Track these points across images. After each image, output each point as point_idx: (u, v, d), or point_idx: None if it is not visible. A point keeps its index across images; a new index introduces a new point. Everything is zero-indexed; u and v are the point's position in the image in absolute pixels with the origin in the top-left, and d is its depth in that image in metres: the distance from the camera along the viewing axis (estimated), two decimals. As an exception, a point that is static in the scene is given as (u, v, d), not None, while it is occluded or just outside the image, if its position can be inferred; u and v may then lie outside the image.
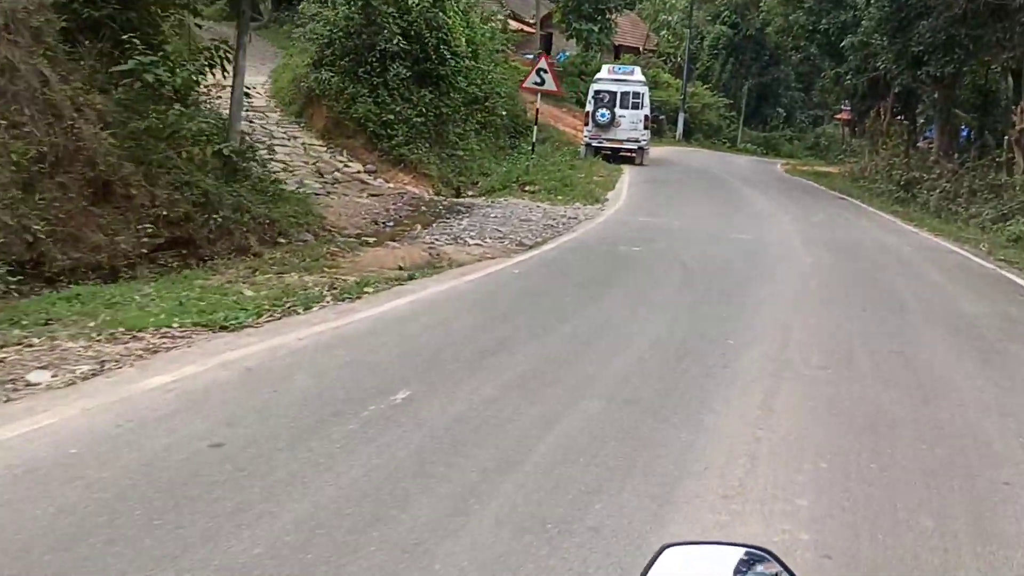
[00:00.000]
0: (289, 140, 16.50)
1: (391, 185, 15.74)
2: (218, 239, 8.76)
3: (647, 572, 1.26)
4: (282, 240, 9.64)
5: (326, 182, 14.65)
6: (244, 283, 7.13)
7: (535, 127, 18.51)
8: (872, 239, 13.69)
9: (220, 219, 8.74)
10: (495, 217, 13.24)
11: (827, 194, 22.33)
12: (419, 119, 16.53)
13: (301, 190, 12.37)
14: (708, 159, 30.41)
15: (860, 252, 12.01)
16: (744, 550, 1.31)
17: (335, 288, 7.06)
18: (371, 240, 10.65)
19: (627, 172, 22.59)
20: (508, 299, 7.59)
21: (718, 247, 11.32)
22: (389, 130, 16.37)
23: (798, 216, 15.80)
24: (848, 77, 26.13)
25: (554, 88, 17.89)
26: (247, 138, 11.14)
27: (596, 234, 12.04)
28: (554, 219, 13.30)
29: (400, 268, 8.73)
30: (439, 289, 7.48)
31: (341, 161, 16.22)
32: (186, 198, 8.56)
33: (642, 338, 6.15)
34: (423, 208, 14.10)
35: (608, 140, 24.90)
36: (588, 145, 25.04)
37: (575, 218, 13.73)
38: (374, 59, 16.69)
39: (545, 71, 17.50)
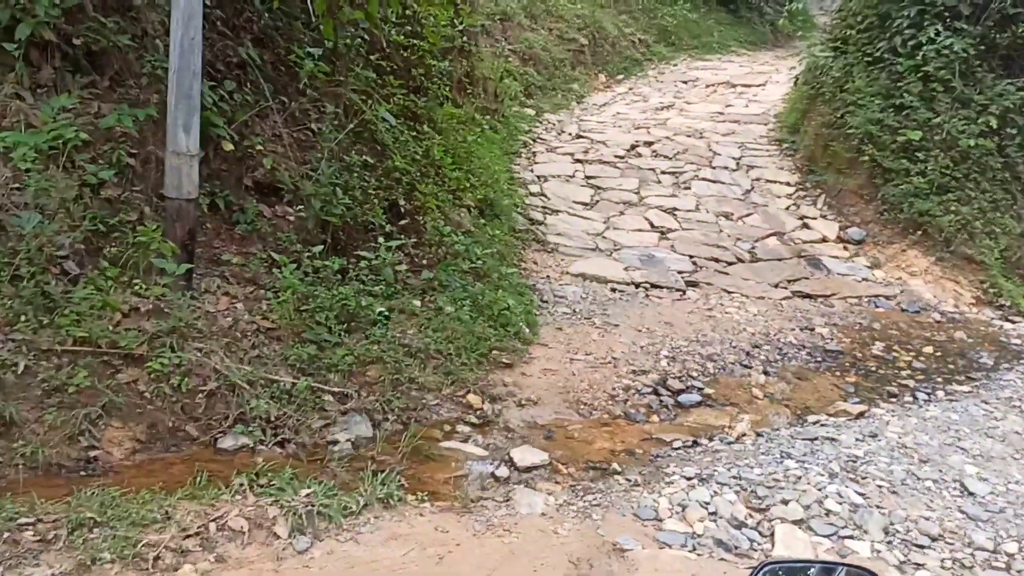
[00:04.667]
0: (735, 172, 9.94)
1: (880, 274, 7.99)
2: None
3: None
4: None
5: (714, 257, 7.83)
6: None
7: None
8: None
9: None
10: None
11: None
12: (977, 141, 8.13)
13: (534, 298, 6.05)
14: None
15: None
16: (846, 569, 1.43)
17: None
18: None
19: None
20: None
21: None
22: (907, 161, 8.40)
23: None
24: None
25: None
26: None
27: None
28: None
29: None
30: None
31: (804, 217, 8.97)
32: None
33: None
34: (896, 348, 6.40)
35: None
36: None
37: None
38: (903, 21, 8.79)
39: None
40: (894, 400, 5.59)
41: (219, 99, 5.02)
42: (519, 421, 4.88)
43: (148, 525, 3.42)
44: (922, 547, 3.78)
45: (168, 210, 4.45)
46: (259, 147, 5.22)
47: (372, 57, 6.21)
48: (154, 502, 3.55)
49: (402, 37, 6.70)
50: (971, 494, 4.25)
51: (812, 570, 1.52)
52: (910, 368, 6.18)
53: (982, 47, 8.81)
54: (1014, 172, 8.67)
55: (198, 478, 3.76)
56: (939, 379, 6.00)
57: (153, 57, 4.74)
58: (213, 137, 4.96)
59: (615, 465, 4.48)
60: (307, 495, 3.73)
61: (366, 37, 6.13)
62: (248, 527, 3.51)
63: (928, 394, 5.68)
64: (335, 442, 4.36)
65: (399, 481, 3.97)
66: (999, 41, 8.81)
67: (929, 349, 6.55)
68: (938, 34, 8.82)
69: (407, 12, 6.80)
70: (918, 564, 3.68)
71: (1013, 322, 7.53)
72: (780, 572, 1.50)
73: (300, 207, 5.31)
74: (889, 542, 3.80)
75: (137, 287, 4.31)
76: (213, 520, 3.51)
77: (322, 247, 5.18)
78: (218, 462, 4.07)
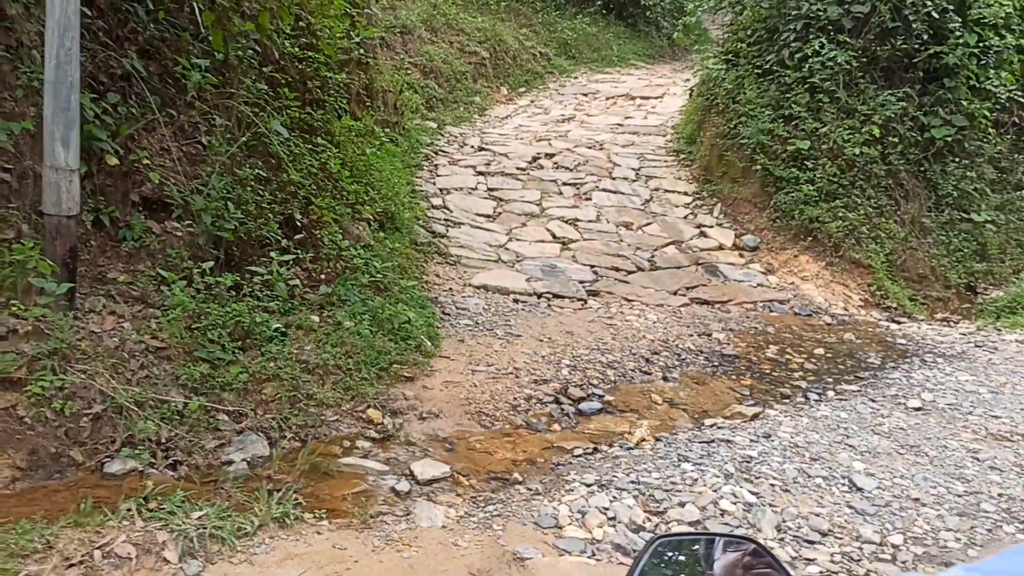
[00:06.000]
0: (634, 183, 10.14)
1: (773, 280, 8.24)
2: None
3: (639, 561, 1.39)
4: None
5: (614, 266, 8.00)
6: None
7: None
8: None
9: None
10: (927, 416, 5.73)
11: None
12: (862, 150, 8.50)
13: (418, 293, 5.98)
14: None
15: None
16: (724, 539, 1.49)
17: None
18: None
19: None
20: None
21: None
22: (796, 170, 8.72)
23: None
24: None
25: None
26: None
27: None
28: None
29: None
30: None
31: (701, 225, 9.23)
32: None
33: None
34: (789, 351, 6.57)
35: None
36: None
37: None
38: (790, 35, 9.15)
39: None
40: (787, 401, 5.79)
41: (102, 112, 4.87)
42: (420, 434, 4.86)
43: (28, 555, 3.29)
44: (812, 543, 3.92)
45: (47, 227, 4.29)
46: (146, 161, 5.07)
47: (265, 69, 6.12)
48: (35, 531, 3.40)
49: (296, 49, 6.62)
50: (859, 489, 4.42)
51: (701, 541, 1.56)
52: (802, 369, 6.41)
53: (864, 59, 9.24)
54: (897, 179, 9.10)
55: (83, 505, 3.63)
56: (829, 379, 6.24)
57: (29, 68, 4.56)
58: (96, 151, 4.80)
59: (516, 475, 4.51)
60: (199, 518, 3.64)
61: (258, 49, 6.03)
62: (136, 553, 3.41)
63: (819, 394, 5.90)
64: (230, 462, 4.27)
65: (296, 499, 3.91)
66: (880, 53, 9.25)
67: (820, 351, 6.80)
68: (823, 47, 9.21)
69: (301, 24, 6.72)
70: (809, 559, 3.82)
71: (899, 323, 7.90)
72: (672, 544, 1.52)
73: (190, 222, 5.19)
74: (781, 539, 3.93)
75: (15, 308, 4.13)
76: (98, 548, 3.40)
77: (214, 263, 5.07)
78: (105, 487, 3.93)
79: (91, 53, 4.92)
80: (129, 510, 3.63)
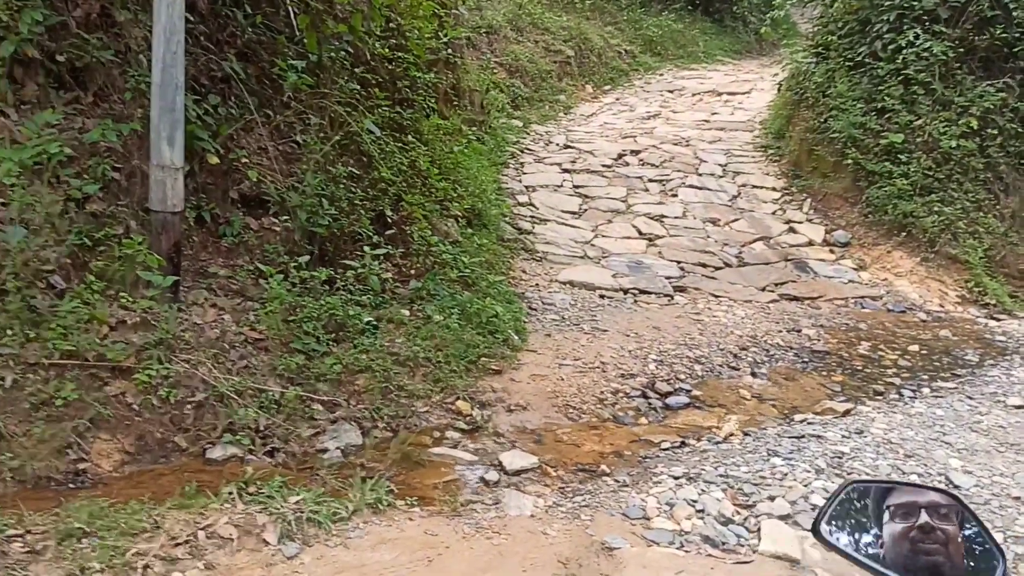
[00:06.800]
0: (721, 179, 10.05)
1: (865, 276, 8.06)
2: None
3: (830, 502, 1.47)
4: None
5: (701, 262, 7.90)
6: None
7: None
8: None
9: None
10: None
11: None
12: (959, 142, 8.21)
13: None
14: None
15: None
16: (919, 489, 1.56)
17: None
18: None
19: None
20: None
21: None
22: (890, 164, 8.47)
23: None
24: None
25: None
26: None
27: None
28: None
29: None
30: None
31: (790, 221, 9.06)
32: None
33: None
34: (882, 348, 6.46)
35: None
36: None
37: None
38: (883, 26, 8.89)
39: None
40: (880, 398, 5.63)
41: (204, 113, 5.06)
42: (508, 426, 4.90)
43: (137, 534, 3.43)
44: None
45: (153, 223, 4.48)
46: (244, 160, 5.25)
47: (356, 70, 6.26)
48: (143, 512, 3.55)
49: (386, 50, 6.75)
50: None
51: (894, 489, 1.56)
52: (896, 366, 6.22)
53: (961, 49, 8.91)
54: (996, 172, 8.75)
55: (187, 488, 3.76)
56: (925, 376, 6.04)
57: (137, 72, 4.77)
58: (198, 151, 4.99)
59: (604, 467, 4.50)
60: (296, 502, 3.74)
61: (350, 50, 6.17)
62: (237, 534, 3.52)
63: (914, 391, 5.72)
64: (324, 450, 4.38)
65: (388, 487, 3.98)
66: (978, 43, 8.91)
67: (915, 348, 6.59)
68: (917, 37, 8.92)
69: (391, 25, 6.85)
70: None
71: (998, 319, 7.59)
72: (864, 490, 1.58)
73: (286, 219, 5.34)
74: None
75: (124, 300, 4.33)
76: (202, 528, 3.52)
77: (309, 258, 5.21)
78: (207, 472, 4.08)
79: (193, 57, 5.11)
80: (230, 494, 3.75)
